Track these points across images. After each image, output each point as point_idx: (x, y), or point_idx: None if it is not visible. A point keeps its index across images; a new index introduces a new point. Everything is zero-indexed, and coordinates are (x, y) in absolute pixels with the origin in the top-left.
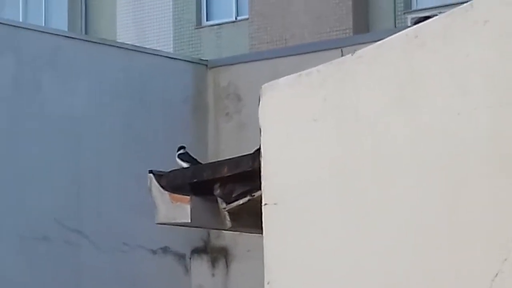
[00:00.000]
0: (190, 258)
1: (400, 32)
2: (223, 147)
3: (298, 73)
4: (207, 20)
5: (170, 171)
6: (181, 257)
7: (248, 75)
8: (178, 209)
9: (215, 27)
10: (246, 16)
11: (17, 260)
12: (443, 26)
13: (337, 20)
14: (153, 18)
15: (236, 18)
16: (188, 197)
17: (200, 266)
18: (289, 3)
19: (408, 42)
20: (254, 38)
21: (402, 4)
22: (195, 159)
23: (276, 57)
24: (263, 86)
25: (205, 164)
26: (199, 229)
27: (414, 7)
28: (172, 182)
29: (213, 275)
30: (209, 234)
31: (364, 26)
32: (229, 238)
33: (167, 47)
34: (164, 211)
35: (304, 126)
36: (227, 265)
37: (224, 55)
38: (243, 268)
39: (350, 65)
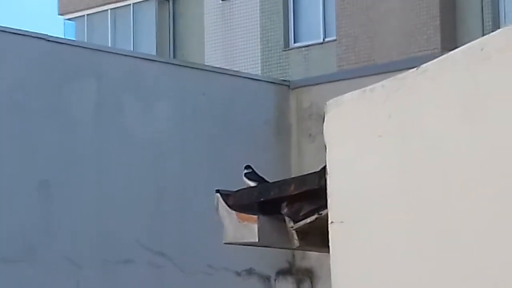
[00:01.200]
0: (275, 280)
1: (465, 45)
2: (306, 168)
3: (363, 89)
4: (294, 42)
5: (237, 190)
6: (266, 279)
7: (332, 95)
8: (246, 228)
9: (303, 48)
10: (334, 38)
11: (101, 284)
12: (509, 37)
13: (425, 40)
14: (241, 41)
15: (323, 40)
16: (256, 217)
17: None
18: (377, 24)
19: (473, 55)
20: (342, 59)
21: (490, 23)
22: (263, 178)
23: (360, 76)
24: (327, 103)
25: (272, 182)
26: (284, 250)
27: (502, 25)
28: (239, 202)
29: None
30: (294, 256)
31: (452, 46)
32: (314, 259)
33: (255, 70)
34: (231, 230)
35: (369, 142)
36: (312, 286)
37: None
38: None
39: (414, 80)
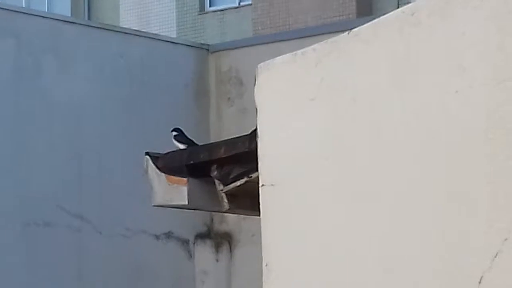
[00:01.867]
0: (194, 243)
1: (397, 10)
2: (225, 132)
3: (294, 52)
4: (210, 5)
5: (167, 153)
6: (184, 242)
7: (250, 59)
8: (175, 191)
9: (218, 12)
10: (249, 2)
11: (19, 247)
12: (440, 3)
13: (341, 5)
14: (156, 3)
15: (239, 4)
16: (185, 179)
17: (203, 251)
18: None
19: (405, 19)
20: (257, 23)
21: None
22: (192, 140)
23: (278, 41)
24: (258, 66)
25: (202, 145)
26: (203, 214)
27: None
28: (168, 164)
29: (217, 260)
30: (212, 219)
31: (367, 11)
32: (233, 223)
33: (171, 33)
34: (161, 193)
35: (300, 105)
36: (231, 250)
37: (228, 40)
38: (247, 253)
39: (346, 43)
